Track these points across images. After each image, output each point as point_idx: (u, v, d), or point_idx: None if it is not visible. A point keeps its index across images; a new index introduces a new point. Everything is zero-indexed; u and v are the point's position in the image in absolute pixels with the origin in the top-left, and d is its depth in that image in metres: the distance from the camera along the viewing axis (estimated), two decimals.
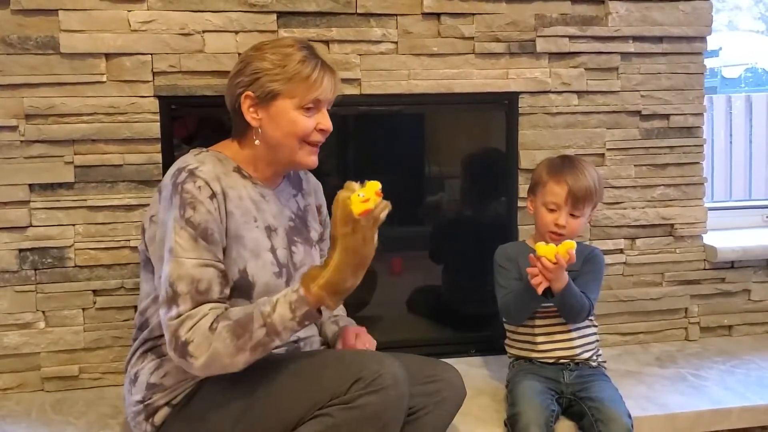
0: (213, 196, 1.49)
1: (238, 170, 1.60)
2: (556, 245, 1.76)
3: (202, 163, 1.53)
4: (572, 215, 1.88)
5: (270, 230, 1.60)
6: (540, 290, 1.77)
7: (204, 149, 1.63)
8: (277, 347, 1.53)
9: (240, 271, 1.53)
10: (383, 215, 1.41)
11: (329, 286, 1.41)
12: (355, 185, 1.42)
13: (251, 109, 1.56)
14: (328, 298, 1.42)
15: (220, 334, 1.40)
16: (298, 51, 1.56)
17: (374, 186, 1.41)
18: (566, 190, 1.87)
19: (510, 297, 1.89)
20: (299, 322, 1.43)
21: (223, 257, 1.50)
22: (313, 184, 1.81)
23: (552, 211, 1.89)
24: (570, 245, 1.76)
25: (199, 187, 1.48)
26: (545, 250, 1.76)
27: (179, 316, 1.43)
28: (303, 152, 1.59)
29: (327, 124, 1.60)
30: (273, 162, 1.62)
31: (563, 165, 1.92)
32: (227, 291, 1.50)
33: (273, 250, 1.58)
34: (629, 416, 1.76)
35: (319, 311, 1.46)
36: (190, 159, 1.56)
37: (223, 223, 1.51)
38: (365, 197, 1.38)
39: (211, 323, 1.42)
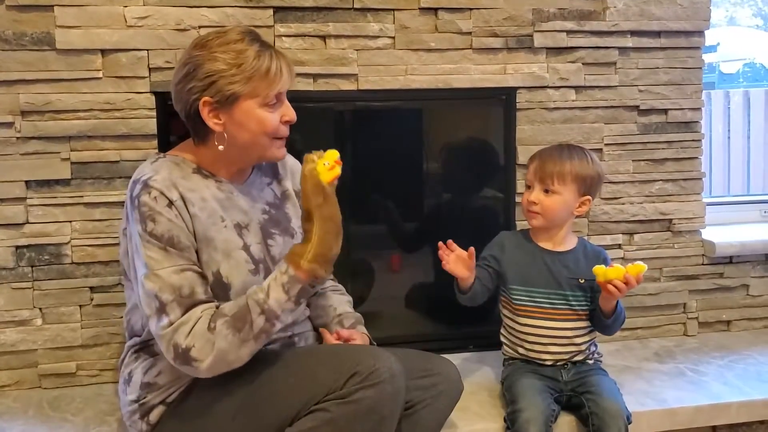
0: (170, 204, 1.47)
1: (198, 171, 1.57)
2: (603, 271, 1.72)
3: (157, 172, 1.50)
4: (546, 192, 1.85)
5: (240, 228, 1.57)
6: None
7: (161, 155, 1.60)
8: (271, 342, 1.54)
9: (213, 274, 1.51)
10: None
11: (318, 257, 1.45)
12: (315, 156, 1.47)
13: (211, 114, 1.51)
14: (320, 269, 1.46)
15: (221, 332, 1.40)
16: (250, 45, 1.50)
17: (334, 154, 1.47)
18: (536, 164, 1.87)
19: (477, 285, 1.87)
20: (295, 301, 1.47)
21: (197, 260, 1.49)
22: (290, 167, 1.75)
23: (528, 189, 1.89)
24: (641, 269, 1.72)
25: (155, 197, 1.46)
26: (614, 272, 1.70)
27: (171, 324, 1.42)
28: (273, 148, 1.57)
29: (291, 114, 1.57)
30: (239, 161, 1.59)
31: (548, 148, 1.93)
32: (210, 291, 1.48)
33: (246, 248, 1.55)
34: (626, 409, 1.75)
35: (312, 285, 1.49)
36: (145, 168, 1.54)
37: (189, 228, 1.48)
38: (330, 165, 1.45)
39: (209, 323, 1.41)
